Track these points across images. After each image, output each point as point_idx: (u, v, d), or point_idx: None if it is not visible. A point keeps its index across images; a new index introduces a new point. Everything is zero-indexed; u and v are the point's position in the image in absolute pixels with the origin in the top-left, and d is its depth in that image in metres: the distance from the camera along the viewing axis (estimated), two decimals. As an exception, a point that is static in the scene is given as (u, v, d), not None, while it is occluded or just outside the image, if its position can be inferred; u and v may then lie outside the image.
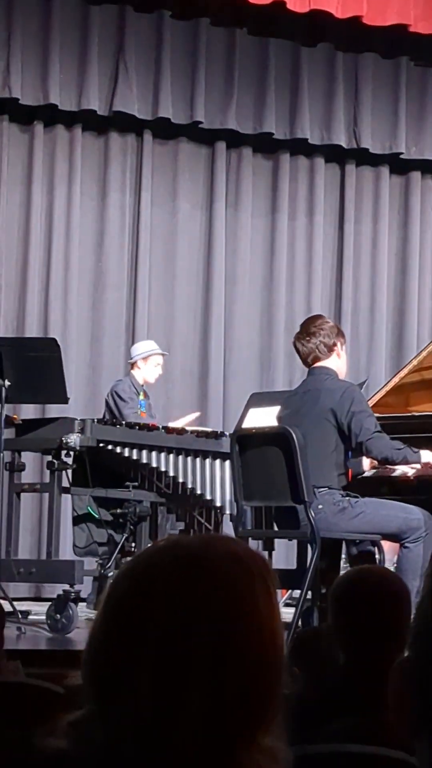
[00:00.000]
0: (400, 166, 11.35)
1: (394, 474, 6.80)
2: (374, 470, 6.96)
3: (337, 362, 6.87)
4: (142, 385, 9.29)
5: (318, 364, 6.86)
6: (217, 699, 1.59)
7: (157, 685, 1.58)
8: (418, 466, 6.69)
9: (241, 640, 1.62)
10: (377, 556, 6.60)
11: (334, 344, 6.85)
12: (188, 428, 8.67)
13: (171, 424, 8.80)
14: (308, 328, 6.97)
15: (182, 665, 1.59)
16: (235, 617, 1.63)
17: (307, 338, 6.89)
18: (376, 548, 6.64)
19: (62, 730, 1.63)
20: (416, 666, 1.24)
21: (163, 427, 8.42)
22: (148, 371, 9.34)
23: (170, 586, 1.62)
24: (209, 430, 8.77)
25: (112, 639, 1.63)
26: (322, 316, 7.48)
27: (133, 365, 9.39)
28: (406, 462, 6.67)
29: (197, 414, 9.46)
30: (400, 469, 6.74)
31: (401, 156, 11.15)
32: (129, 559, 2.21)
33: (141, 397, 9.21)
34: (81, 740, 1.60)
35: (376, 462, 6.80)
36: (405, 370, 7.62)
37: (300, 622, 6.46)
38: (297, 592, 6.69)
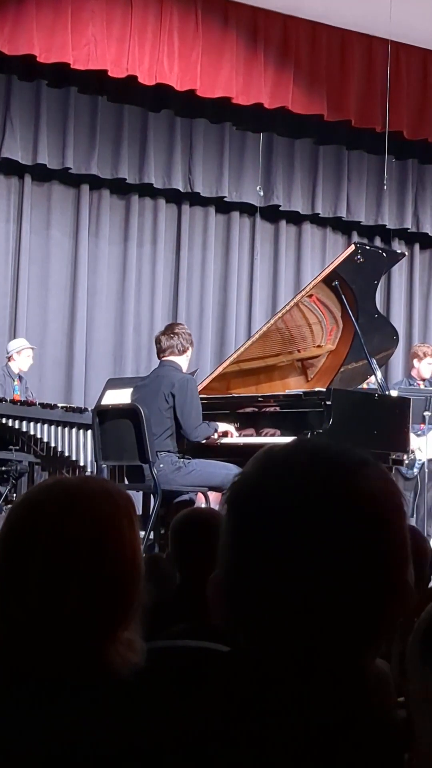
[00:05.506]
0: (223, 207, 11.37)
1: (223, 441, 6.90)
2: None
3: (184, 361, 6.93)
4: (18, 373, 9.32)
5: (170, 357, 6.90)
6: (89, 600, 1.59)
7: (42, 588, 1.58)
8: (215, 435, 6.82)
9: (108, 557, 1.62)
10: (203, 504, 6.64)
11: (186, 348, 6.94)
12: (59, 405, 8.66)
13: None
14: (174, 329, 7.07)
15: (62, 574, 1.59)
16: (105, 539, 1.63)
17: (172, 336, 6.95)
18: (204, 497, 6.69)
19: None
20: (221, 581, 1.24)
21: (39, 403, 8.38)
22: (22, 361, 9.39)
23: (54, 512, 1.62)
24: (75, 406, 8.76)
25: (7, 552, 1.62)
26: (182, 323, 7.53)
27: (9, 358, 9.38)
28: (209, 437, 6.77)
29: None
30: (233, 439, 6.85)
31: (225, 199, 11.17)
32: (15, 500, 2.21)
33: (16, 382, 9.20)
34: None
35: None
36: (226, 363, 7.66)
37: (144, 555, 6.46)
38: (141, 533, 6.67)
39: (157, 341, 7.05)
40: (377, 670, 1.27)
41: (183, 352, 6.92)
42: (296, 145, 11.40)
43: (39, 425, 8.19)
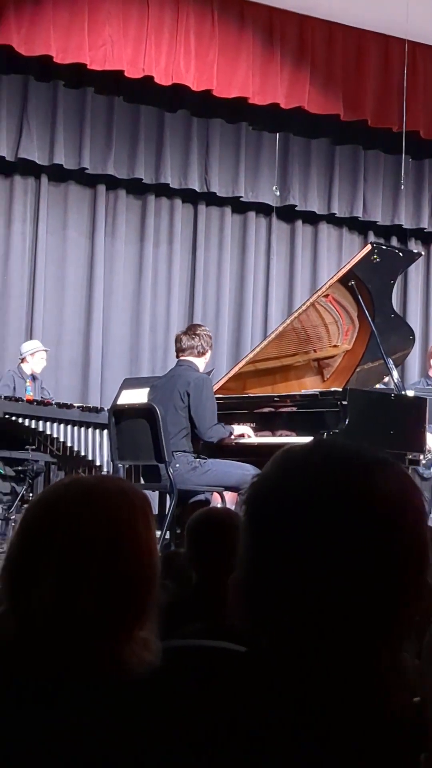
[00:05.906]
0: (239, 207, 11.38)
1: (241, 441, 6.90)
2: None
3: (201, 363, 6.94)
4: (30, 375, 9.35)
5: (188, 357, 6.90)
6: (104, 599, 1.60)
7: (58, 587, 1.58)
8: (232, 437, 6.81)
9: (124, 556, 1.62)
10: (219, 504, 6.64)
11: (206, 351, 6.95)
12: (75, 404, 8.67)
13: None
14: (196, 330, 7.08)
15: (78, 573, 1.59)
16: (121, 538, 1.63)
17: (193, 336, 6.95)
18: (219, 497, 6.69)
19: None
20: (241, 581, 1.24)
21: (55, 403, 8.40)
22: (35, 364, 9.44)
23: (70, 512, 1.62)
24: (91, 406, 8.77)
25: (24, 551, 1.62)
26: (205, 326, 7.53)
27: (23, 359, 9.41)
28: (223, 438, 6.77)
29: None
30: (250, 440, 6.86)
31: (241, 199, 11.17)
32: (32, 499, 2.22)
33: (28, 383, 9.23)
34: (-1, 629, 1.60)
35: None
36: (242, 363, 7.66)
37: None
38: (157, 532, 6.67)
39: (178, 340, 7.05)
40: (399, 668, 1.26)
41: (202, 354, 6.92)
42: (312, 145, 11.40)
43: (55, 425, 8.21)
